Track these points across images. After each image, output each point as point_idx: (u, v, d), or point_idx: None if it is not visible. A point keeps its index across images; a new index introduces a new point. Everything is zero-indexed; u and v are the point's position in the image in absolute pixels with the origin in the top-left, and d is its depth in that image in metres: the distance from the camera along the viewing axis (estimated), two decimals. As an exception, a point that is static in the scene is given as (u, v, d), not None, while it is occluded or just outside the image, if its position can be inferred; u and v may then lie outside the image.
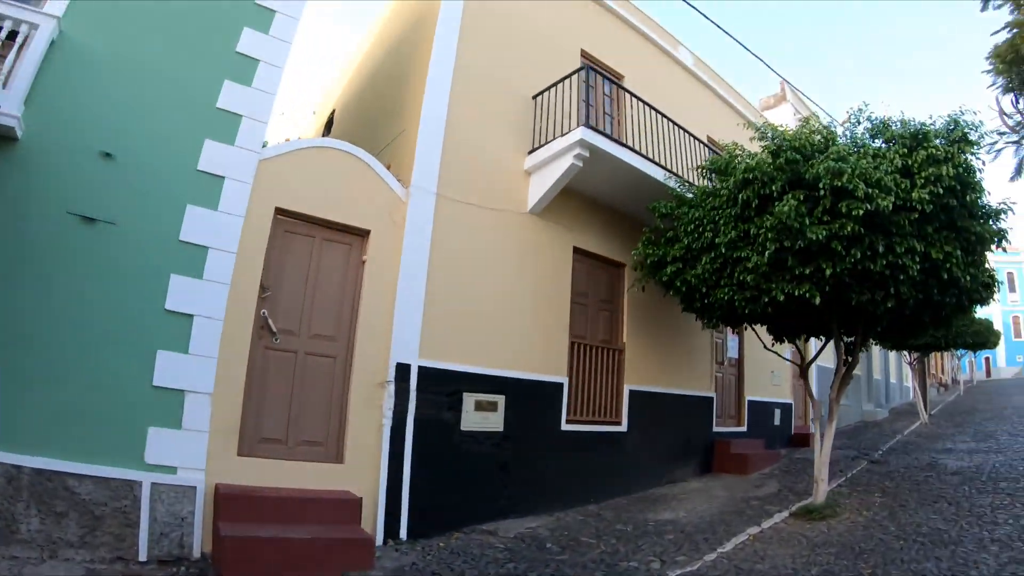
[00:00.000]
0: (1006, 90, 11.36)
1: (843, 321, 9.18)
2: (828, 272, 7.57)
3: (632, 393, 11.10)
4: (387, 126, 10.04)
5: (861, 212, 7.22)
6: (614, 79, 11.71)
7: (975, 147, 7.99)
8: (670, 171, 10.42)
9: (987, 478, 10.39)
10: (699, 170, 10.06)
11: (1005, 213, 8.33)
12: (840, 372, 9.54)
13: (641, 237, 10.09)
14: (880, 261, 7.47)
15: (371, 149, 8.95)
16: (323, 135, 14.11)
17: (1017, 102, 11.45)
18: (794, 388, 16.52)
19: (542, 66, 10.37)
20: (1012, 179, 11.29)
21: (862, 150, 8.20)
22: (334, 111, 14.51)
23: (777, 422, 15.74)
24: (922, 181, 7.50)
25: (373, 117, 11.01)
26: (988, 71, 11.28)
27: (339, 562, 6.20)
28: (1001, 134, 11.08)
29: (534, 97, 10.25)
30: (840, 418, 19.70)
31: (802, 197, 7.65)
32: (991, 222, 8.31)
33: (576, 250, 10.61)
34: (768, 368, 14.61)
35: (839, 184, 7.39)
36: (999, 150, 11.25)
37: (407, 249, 8.20)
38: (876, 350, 24.42)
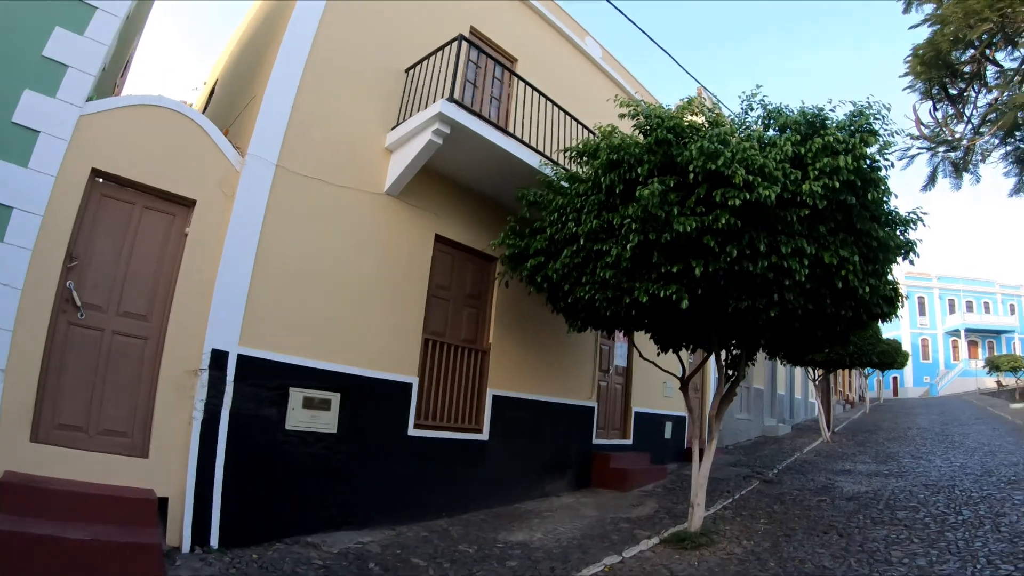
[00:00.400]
0: (924, 95, 10.16)
1: (723, 331, 7.96)
2: (698, 271, 6.30)
3: (497, 399, 9.82)
4: (243, 96, 8.94)
5: (738, 202, 5.97)
6: (502, 61, 10.49)
7: (881, 141, 6.78)
8: (547, 157, 9.18)
9: (884, 506, 9.52)
10: (566, 153, 8.75)
11: (915, 223, 7.23)
12: (721, 387, 8.39)
13: (505, 226, 8.85)
14: (761, 262, 6.24)
15: (228, 120, 8.36)
16: (204, 107, 12.84)
17: (935, 110, 10.26)
18: (690, 400, 15.24)
19: (423, 40, 9.18)
20: (925, 188, 10.10)
21: (749, 136, 6.91)
22: (216, 82, 13.13)
23: (668, 436, 14.59)
24: (816, 173, 6.26)
25: (238, 88, 9.85)
26: (906, 74, 10.06)
27: (120, 569, 5.28)
28: (915, 138, 9.88)
29: (407, 70, 9.13)
30: (740, 433, 19.30)
31: (673, 184, 6.42)
32: (898, 231, 7.19)
33: (439, 238, 9.38)
34: (660, 378, 13.37)
35: (713, 168, 6.12)
36: (912, 156, 10.04)
37: (235, 223, 7.11)
38: (780, 365, 23.48)
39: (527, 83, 9.44)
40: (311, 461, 7.42)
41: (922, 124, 10.32)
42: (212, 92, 13.04)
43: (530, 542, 7.87)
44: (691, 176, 6.26)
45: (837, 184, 6.15)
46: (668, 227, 6.30)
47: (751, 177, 6.00)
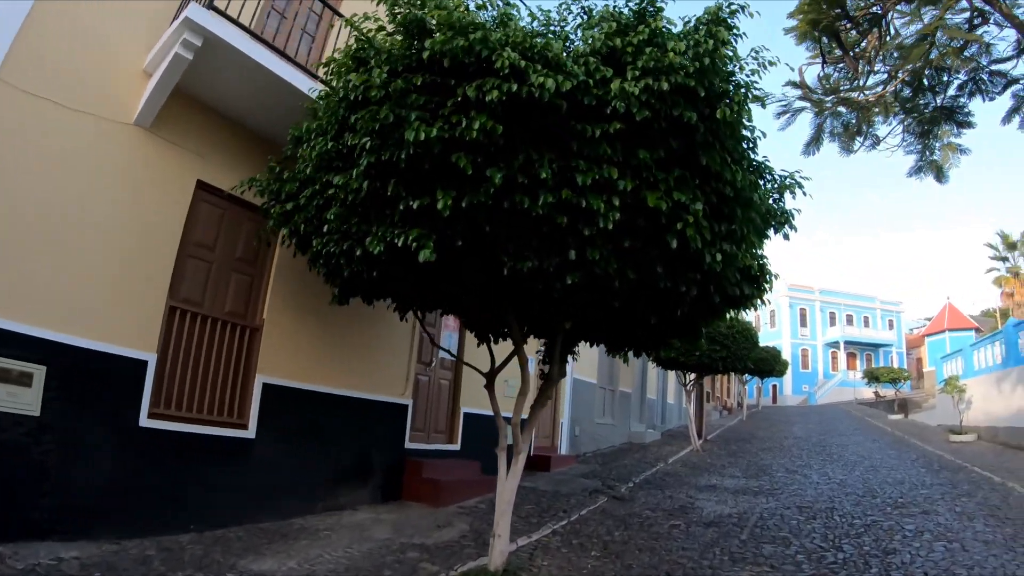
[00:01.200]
0: (813, 53, 8.21)
1: (518, 309, 5.79)
2: (443, 205, 3.97)
3: (268, 388, 7.54)
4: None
5: (497, 95, 3.71)
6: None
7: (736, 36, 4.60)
8: (327, 84, 6.93)
9: (749, 536, 7.75)
10: (325, 67, 6.49)
11: (793, 189, 5.26)
12: (528, 386, 6.28)
13: (265, 167, 6.76)
14: (545, 197, 3.94)
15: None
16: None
17: (825, 65, 8.33)
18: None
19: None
20: (807, 150, 8.18)
21: (551, 33, 4.74)
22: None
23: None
24: (637, 72, 3.98)
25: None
26: (792, 26, 8.06)
27: None
28: (797, 85, 7.95)
29: (188, -14, 7.04)
30: (602, 439, 17.22)
31: (420, 82, 4.14)
32: (772, 198, 5.28)
33: (203, 186, 7.20)
34: (501, 375, 11.29)
35: (464, 44, 3.88)
36: (797, 110, 8.09)
37: (-73, 143, 5.43)
38: (652, 367, 22.08)
39: (337, 13, 7.69)
40: (7, 450, 5.52)
41: (808, 88, 8.41)
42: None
43: (273, 574, 5.61)
44: (426, 55, 3.99)
45: (666, 86, 3.93)
46: (400, 139, 4.04)
47: (525, 64, 3.76)
